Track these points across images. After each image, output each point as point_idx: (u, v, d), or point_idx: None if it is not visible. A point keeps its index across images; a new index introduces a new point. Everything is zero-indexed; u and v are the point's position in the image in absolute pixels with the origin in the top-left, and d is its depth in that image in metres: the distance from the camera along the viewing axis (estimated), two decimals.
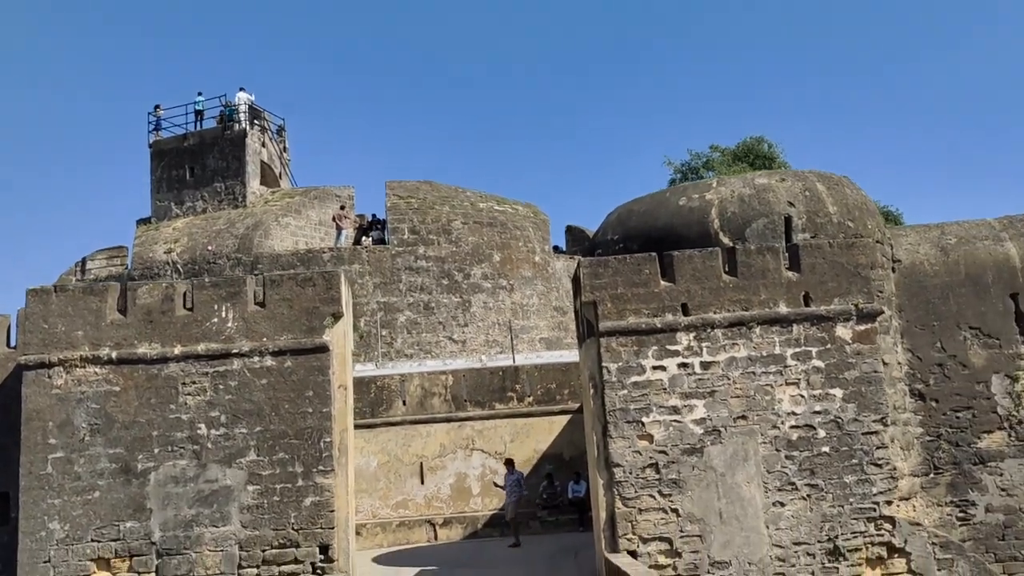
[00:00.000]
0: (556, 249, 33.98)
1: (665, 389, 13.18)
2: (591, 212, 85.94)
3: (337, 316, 13.48)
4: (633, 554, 12.74)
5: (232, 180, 32.18)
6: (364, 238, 31.44)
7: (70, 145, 76.43)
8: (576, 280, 14.47)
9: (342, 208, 31.78)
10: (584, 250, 15.94)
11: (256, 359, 13.23)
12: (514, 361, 24.01)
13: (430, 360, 25.59)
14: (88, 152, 76.71)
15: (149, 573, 12.63)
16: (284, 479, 12.97)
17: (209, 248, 29.53)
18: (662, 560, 12.75)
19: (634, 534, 12.83)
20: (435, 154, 79.09)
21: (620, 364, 13.24)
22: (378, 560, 19.21)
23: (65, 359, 12.99)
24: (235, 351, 13.22)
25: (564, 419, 22.95)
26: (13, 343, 14.09)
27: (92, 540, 12.64)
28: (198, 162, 32.52)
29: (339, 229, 30.95)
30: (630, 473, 12.96)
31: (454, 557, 18.66)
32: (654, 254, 13.68)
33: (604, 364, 13.22)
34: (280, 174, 34.47)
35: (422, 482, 22.51)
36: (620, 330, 13.31)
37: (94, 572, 12.59)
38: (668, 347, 13.28)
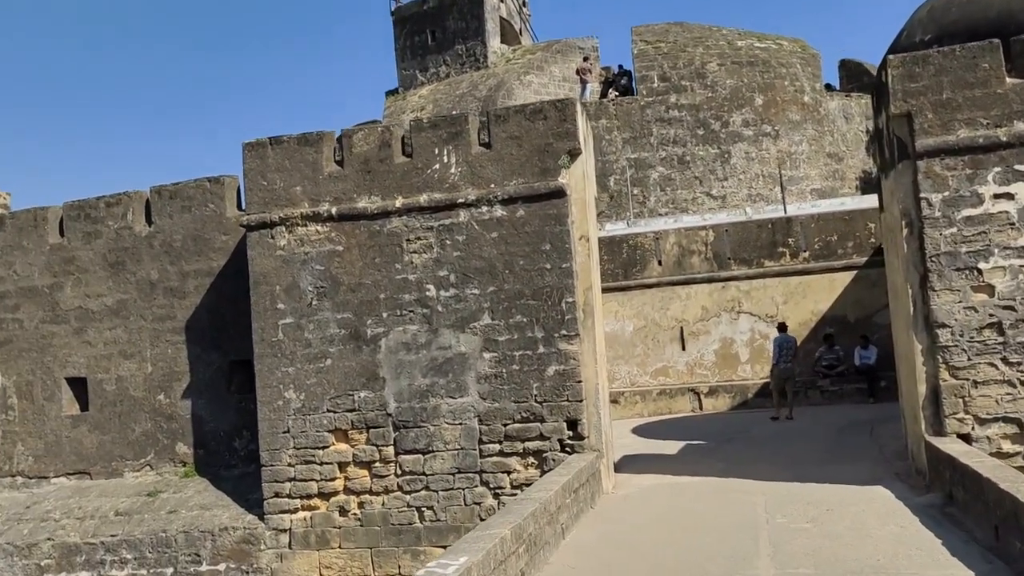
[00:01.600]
0: (828, 88, 29.12)
1: (1013, 224, 9.53)
2: (868, 46, 75.31)
3: (574, 154, 10.99)
4: (966, 438, 9.55)
5: (472, 40, 30.23)
6: (610, 91, 28.51)
7: (314, 22, 78.53)
8: (879, 88, 10.87)
9: (586, 60, 28.91)
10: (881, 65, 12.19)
11: (484, 209, 11.13)
12: (785, 212, 20.49)
13: (687, 216, 22.64)
14: (334, 28, 78.29)
15: (388, 446, 11.31)
16: (523, 346, 10.99)
17: (454, 113, 28.02)
18: (1007, 447, 9.46)
19: (967, 413, 9.59)
20: None
21: (947, 194, 9.71)
22: (638, 431, 17.18)
23: (286, 217, 11.62)
24: (461, 201, 11.19)
25: (847, 276, 19.30)
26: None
27: (328, 411, 11.47)
28: (438, 25, 30.83)
29: (583, 83, 28.17)
30: (961, 336, 9.62)
31: (722, 430, 16.21)
32: (997, 40, 9.78)
33: (923, 195, 9.76)
34: (520, 30, 32.03)
35: (683, 348, 20.04)
36: (947, 148, 9.72)
37: (333, 444, 11.47)
38: (1017, 167, 9.53)
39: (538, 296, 10.98)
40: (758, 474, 11.33)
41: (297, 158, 11.66)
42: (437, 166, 11.29)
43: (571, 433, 10.86)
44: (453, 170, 11.26)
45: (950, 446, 9.20)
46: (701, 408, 19.52)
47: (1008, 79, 9.66)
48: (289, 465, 11.54)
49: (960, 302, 9.64)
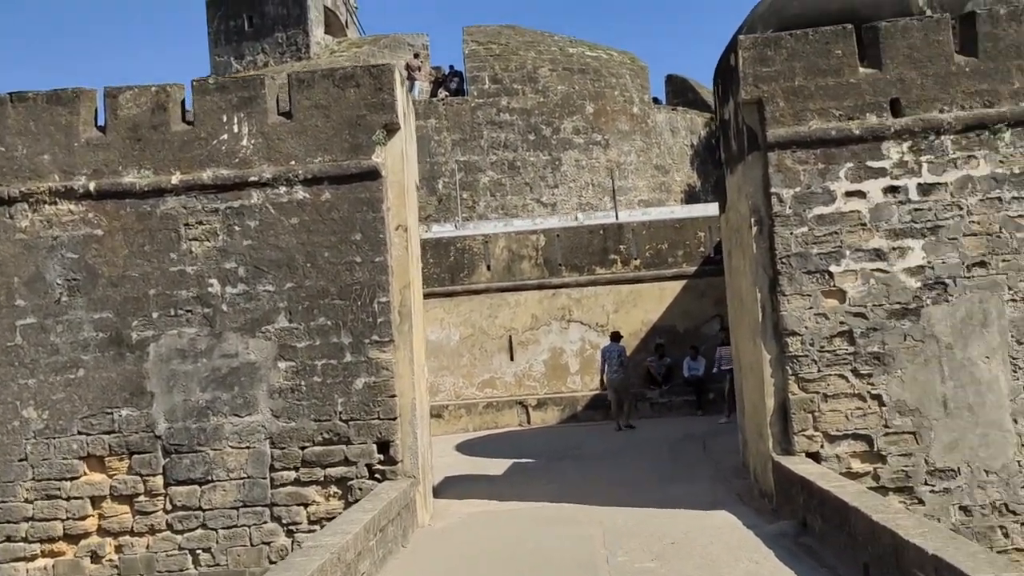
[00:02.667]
0: (656, 101, 28.97)
1: (865, 224, 8.71)
2: (695, 61, 77.42)
3: (391, 128, 9.29)
4: (815, 457, 8.61)
5: (294, 28, 27.87)
6: (440, 91, 27.01)
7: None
8: (726, 74, 9.88)
9: (416, 56, 27.25)
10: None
11: (283, 190, 9.22)
12: (617, 218, 19.65)
13: (518, 220, 21.42)
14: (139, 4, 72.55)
15: (155, 475, 9.11)
16: (327, 353, 9.14)
17: None
18: (857, 466, 8.58)
19: (816, 430, 8.65)
20: (516, 1, 71.83)
21: (798, 189, 8.78)
22: (462, 448, 15.63)
23: (29, 192, 9.20)
24: (254, 179, 9.22)
25: (677, 285, 18.64)
26: None
27: (79, 433, 9.12)
28: (257, 10, 28.23)
29: (412, 80, 26.41)
30: (811, 344, 8.68)
31: (552, 446, 14.94)
32: (850, 26, 8.96)
33: (774, 189, 8.78)
34: (347, 22, 29.94)
35: (512, 358, 18.72)
36: (799, 140, 8.78)
37: (84, 473, 9.14)
38: (870, 163, 8.72)
39: (346, 295, 9.17)
40: (593, 497, 10.01)
41: (46, 120, 9.28)
42: (225, 137, 9.26)
43: (382, 457, 9.10)
44: (245, 142, 9.27)
45: (801, 467, 8.20)
46: (529, 422, 18.24)
47: (861, 68, 8.86)
48: (26, 501, 9.08)
49: (811, 308, 8.70)
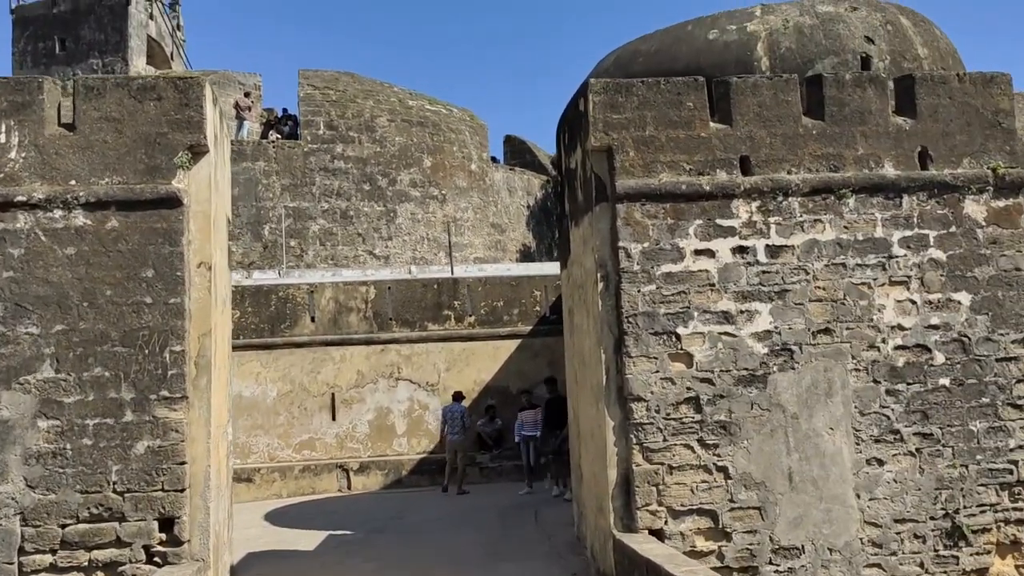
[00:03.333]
0: (494, 160, 28.69)
1: (713, 285, 8.19)
2: (532, 123, 78.71)
3: (198, 151, 7.95)
4: (658, 534, 7.85)
5: (112, 56, 25.67)
6: (271, 133, 25.49)
7: None
8: (572, 121, 9.26)
9: (247, 95, 25.69)
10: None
11: (58, 214, 7.64)
12: (452, 273, 18.78)
13: (347, 270, 20.12)
14: None
15: None
16: (102, 411, 7.54)
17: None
18: (701, 544, 7.89)
19: (660, 504, 7.92)
20: (353, 51, 70.91)
21: (647, 244, 8.17)
22: (273, 517, 13.95)
23: None
24: (22, 199, 7.60)
25: (512, 344, 17.91)
26: None
27: None
28: (71, 33, 25.85)
29: (240, 120, 24.87)
30: (657, 411, 7.99)
31: (373, 515, 13.58)
32: (701, 79, 8.57)
33: (622, 243, 8.13)
34: (172, 55, 27.96)
35: (333, 418, 17.24)
36: (649, 192, 8.21)
37: None
38: (719, 221, 8.26)
39: (131, 341, 7.65)
40: None
41: None
42: None
43: (164, 536, 7.53)
44: (14, 155, 7.66)
45: (647, 547, 7.38)
46: (350, 487, 16.74)
47: (712, 123, 8.46)
48: None
49: (657, 372, 8.04)
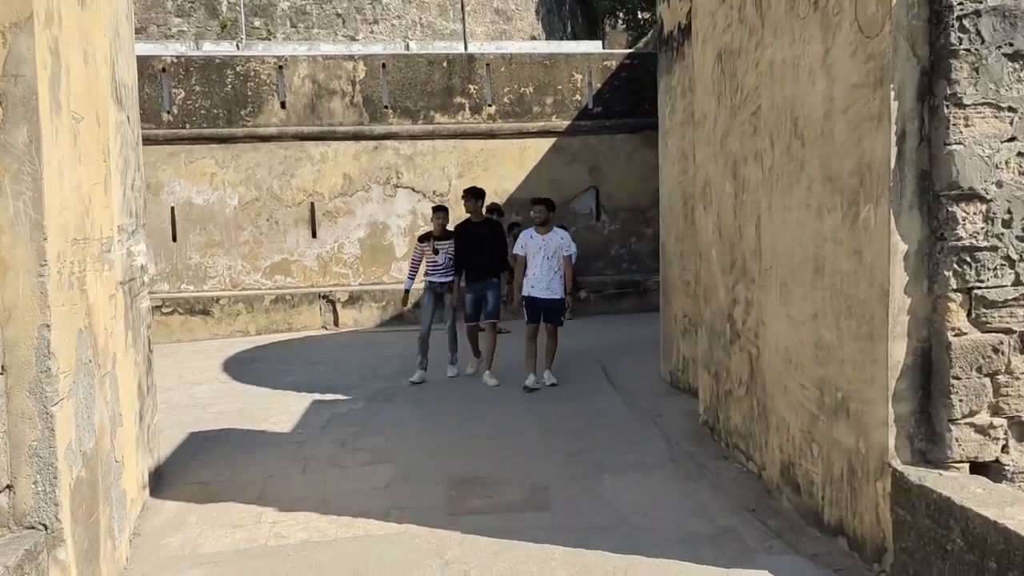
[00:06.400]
0: None
1: None
2: None
3: None
4: (986, 470, 3.77)
5: None
6: None
7: None
8: None
9: None
10: None
11: None
12: (466, 47, 13.89)
13: (327, 44, 15.10)
14: None
15: None
16: None
17: None
18: None
19: (997, 414, 3.78)
20: None
21: None
22: (233, 367, 9.82)
23: None
24: None
25: (544, 144, 13.39)
26: None
27: None
28: None
29: None
30: (1007, 225, 3.70)
31: (375, 365, 9.58)
32: None
33: None
34: None
35: (314, 235, 12.90)
36: None
37: None
38: None
39: None
40: (467, 500, 4.76)
41: None
42: None
43: None
44: None
45: (1008, 511, 3.29)
46: (337, 323, 12.66)
47: None
48: None
49: (1016, 141, 3.68)
